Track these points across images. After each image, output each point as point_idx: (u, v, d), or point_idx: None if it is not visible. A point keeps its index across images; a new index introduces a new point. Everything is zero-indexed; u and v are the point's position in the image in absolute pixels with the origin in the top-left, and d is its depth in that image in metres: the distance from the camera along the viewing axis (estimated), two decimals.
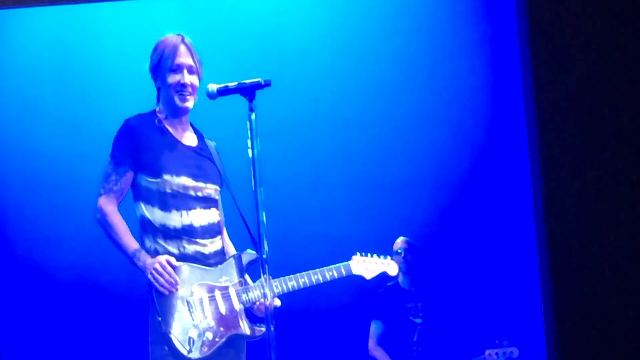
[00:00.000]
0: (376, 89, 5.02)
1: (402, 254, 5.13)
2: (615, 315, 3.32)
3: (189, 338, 3.36)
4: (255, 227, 3.21)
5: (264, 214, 3.25)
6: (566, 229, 3.32)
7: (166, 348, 3.35)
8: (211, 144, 3.67)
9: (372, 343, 5.26)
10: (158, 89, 3.56)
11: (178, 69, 3.50)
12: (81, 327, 4.89)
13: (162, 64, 3.50)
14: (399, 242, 5.17)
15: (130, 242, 3.42)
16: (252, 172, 3.27)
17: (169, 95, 3.51)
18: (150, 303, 3.41)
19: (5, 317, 4.87)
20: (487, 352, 5.04)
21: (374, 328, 5.27)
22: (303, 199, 5.06)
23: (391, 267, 4.00)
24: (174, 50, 3.50)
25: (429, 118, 5.00)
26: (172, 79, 3.49)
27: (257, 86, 3.31)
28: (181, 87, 3.48)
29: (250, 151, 3.28)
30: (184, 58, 3.51)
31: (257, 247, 3.43)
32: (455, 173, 5.08)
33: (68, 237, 4.98)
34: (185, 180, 3.48)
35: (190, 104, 3.52)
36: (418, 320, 5.24)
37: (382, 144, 5.06)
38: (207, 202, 3.53)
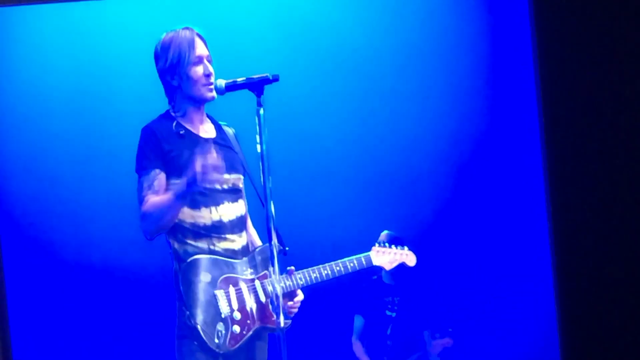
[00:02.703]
0: (386, 85, 5.01)
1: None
2: (624, 312, 3.33)
3: (217, 332, 3.37)
4: (265, 221, 3.24)
5: (272, 207, 3.28)
6: (574, 228, 3.32)
7: (195, 343, 3.37)
8: (230, 131, 3.65)
9: (354, 338, 5.29)
10: (174, 88, 3.51)
11: (199, 60, 3.48)
12: (109, 320, 4.92)
13: (182, 59, 3.46)
14: (383, 235, 5.14)
15: (167, 195, 3.36)
16: (260, 167, 3.30)
17: (194, 88, 3.48)
18: (177, 297, 3.43)
19: (30, 305, 4.91)
20: (432, 344, 5.05)
21: (356, 322, 5.30)
22: (312, 192, 5.07)
23: (409, 258, 3.94)
24: (192, 43, 3.48)
25: (436, 114, 4.99)
26: (195, 72, 3.47)
27: (265, 81, 3.31)
28: (206, 78, 3.46)
29: (259, 146, 3.30)
30: (202, 49, 3.50)
31: (279, 238, 3.46)
32: (462, 171, 5.06)
33: (96, 230, 5.00)
34: None
35: (214, 93, 3.49)
36: (392, 314, 5.23)
37: (391, 139, 5.06)
38: (233, 193, 3.53)
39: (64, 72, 5.18)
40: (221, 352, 3.37)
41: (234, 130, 3.66)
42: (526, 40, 3.71)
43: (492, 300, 4.99)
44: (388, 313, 5.20)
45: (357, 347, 5.26)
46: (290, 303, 3.51)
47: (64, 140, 5.14)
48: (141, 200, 3.41)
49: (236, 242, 3.50)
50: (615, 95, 3.26)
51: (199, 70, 3.48)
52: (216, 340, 3.35)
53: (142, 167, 3.45)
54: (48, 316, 4.96)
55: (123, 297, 4.91)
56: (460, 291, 5.12)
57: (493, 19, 4.79)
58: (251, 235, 3.64)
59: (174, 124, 3.50)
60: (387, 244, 3.88)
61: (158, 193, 3.41)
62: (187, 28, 3.53)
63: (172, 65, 3.48)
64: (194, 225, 3.44)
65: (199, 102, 3.51)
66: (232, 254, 3.47)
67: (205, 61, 3.49)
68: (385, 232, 5.15)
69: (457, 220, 5.06)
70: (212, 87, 3.46)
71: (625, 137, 3.26)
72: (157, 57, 3.53)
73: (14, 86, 5.17)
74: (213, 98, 3.50)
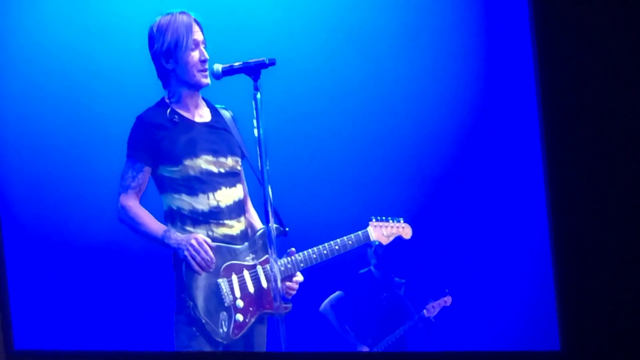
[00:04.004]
0: (385, 72, 5.00)
1: (373, 249, 5.05)
2: (626, 312, 3.32)
3: (220, 321, 3.39)
4: (263, 205, 3.25)
5: (270, 191, 3.29)
6: (574, 228, 3.32)
7: (194, 329, 3.39)
8: (227, 114, 3.63)
9: (327, 305, 5.13)
10: (168, 71, 3.52)
11: (196, 45, 3.48)
12: (108, 303, 4.91)
13: (179, 43, 3.47)
14: None
15: (157, 226, 3.45)
16: (258, 151, 3.31)
17: (190, 74, 3.48)
18: (177, 284, 3.44)
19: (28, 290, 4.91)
20: (425, 308, 4.96)
21: (335, 295, 5.17)
22: (311, 175, 5.07)
23: (405, 231, 3.91)
24: (190, 28, 3.48)
25: (437, 103, 4.97)
26: (192, 57, 3.47)
27: (262, 65, 3.34)
28: (202, 64, 3.47)
29: (256, 130, 3.31)
30: (198, 35, 3.50)
31: (279, 220, 3.47)
32: (462, 160, 5.04)
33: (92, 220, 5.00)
34: (206, 159, 3.48)
35: (209, 80, 3.50)
36: (382, 295, 5.14)
37: (389, 124, 5.05)
38: (231, 177, 3.52)
39: (58, 64, 5.17)
40: (225, 342, 3.38)
41: (231, 113, 3.64)
42: (526, 38, 3.70)
43: (490, 286, 4.97)
44: (376, 295, 5.12)
45: (330, 314, 5.14)
46: (288, 284, 3.52)
47: (63, 128, 5.14)
48: (123, 187, 3.50)
49: (235, 227, 3.50)
50: (617, 92, 3.25)
51: (195, 55, 3.47)
52: (220, 331, 3.36)
53: (131, 155, 3.49)
54: (48, 300, 4.97)
55: (122, 281, 4.92)
56: (456, 280, 5.10)
57: (492, 16, 4.78)
58: (252, 218, 3.63)
59: (168, 110, 3.51)
60: (383, 218, 3.86)
61: (141, 187, 3.48)
62: (183, 12, 3.52)
63: (168, 49, 3.48)
64: (192, 212, 3.46)
65: (194, 87, 3.51)
66: (231, 239, 3.48)
67: (201, 46, 3.49)
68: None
69: (456, 204, 5.05)
70: (207, 73, 3.48)
71: (627, 134, 3.25)
72: (152, 39, 3.52)
73: (8, 79, 5.18)
74: (207, 84, 3.50)
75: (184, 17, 3.50)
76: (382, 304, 5.12)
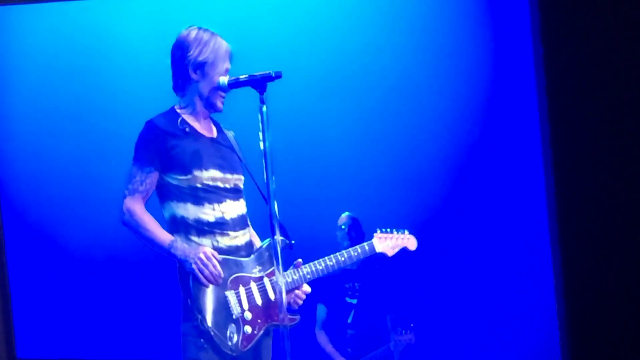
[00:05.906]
0: (388, 83, 5.02)
1: (346, 230, 5.00)
2: (628, 314, 3.34)
3: (229, 334, 3.39)
4: (269, 218, 3.26)
5: (276, 205, 3.30)
6: (578, 228, 3.33)
7: (202, 340, 3.39)
8: (229, 133, 3.67)
9: (317, 328, 5.09)
10: (189, 79, 3.52)
11: (225, 73, 3.52)
12: (113, 314, 4.92)
13: (215, 63, 3.49)
14: (343, 217, 5.01)
15: (164, 235, 3.44)
16: (264, 164, 3.31)
17: (212, 95, 3.51)
18: (184, 296, 3.44)
19: (32, 299, 4.93)
20: (393, 340, 4.90)
21: (319, 312, 5.10)
22: (315, 188, 5.09)
23: (410, 242, 3.92)
24: (227, 55, 3.53)
25: (438, 111, 5.00)
26: (220, 81, 3.49)
27: (268, 78, 3.34)
28: (224, 91, 3.50)
29: (262, 143, 3.32)
30: (228, 64, 3.55)
31: (284, 233, 3.48)
32: (464, 168, 5.07)
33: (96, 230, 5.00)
34: (214, 173, 3.49)
35: (222, 107, 3.56)
36: (353, 301, 5.10)
37: (393, 135, 5.07)
38: (235, 193, 3.55)
39: (64, 70, 5.20)
40: (234, 354, 3.38)
41: (233, 132, 3.70)
42: (527, 39, 3.72)
43: (492, 300, 4.98)
44: (348, 300, 5.08)
45: (322, 337, 5.10)
46: (297, 292, 3.55)
47: (68, 135, 5.17)
48: (130, 190, 3.46)
49: (239, 238, 3.52)
50: (618, 94, 3.27)
51: (222, 80, 3.50)
52: (229, 343, 3.37)
53: (139, 159, 3.47)
54: (50, 308, 4.99)
55: (126, 291, 4.93)
56: (458, 291, 5.11)
57: (495, 18, 4.80)
58: (252, 236, 3.66)
59: (179, 120, 3.52)
60: (388, 230, 3.88)
61: (148, 192, 3.46)
62: (222, 38, 3.56)
63: (204, 62, 3.49)
64: (197, 221, 3.46)
65: (209, 107, 3.54)
66: (236, 250, 3.49)
67: (227, 74, 3.53)
68: (346, 213, 5.04)
69: (457, 214, 5.07)
70: (223, 100, 3.52)
71: (628, 136, 3.26)
72: (187, 45, 3.51)
73: (15, 84, 5.20)
74: (221, 111, 3.55)
75: (224, 43, 3.54)
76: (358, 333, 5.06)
